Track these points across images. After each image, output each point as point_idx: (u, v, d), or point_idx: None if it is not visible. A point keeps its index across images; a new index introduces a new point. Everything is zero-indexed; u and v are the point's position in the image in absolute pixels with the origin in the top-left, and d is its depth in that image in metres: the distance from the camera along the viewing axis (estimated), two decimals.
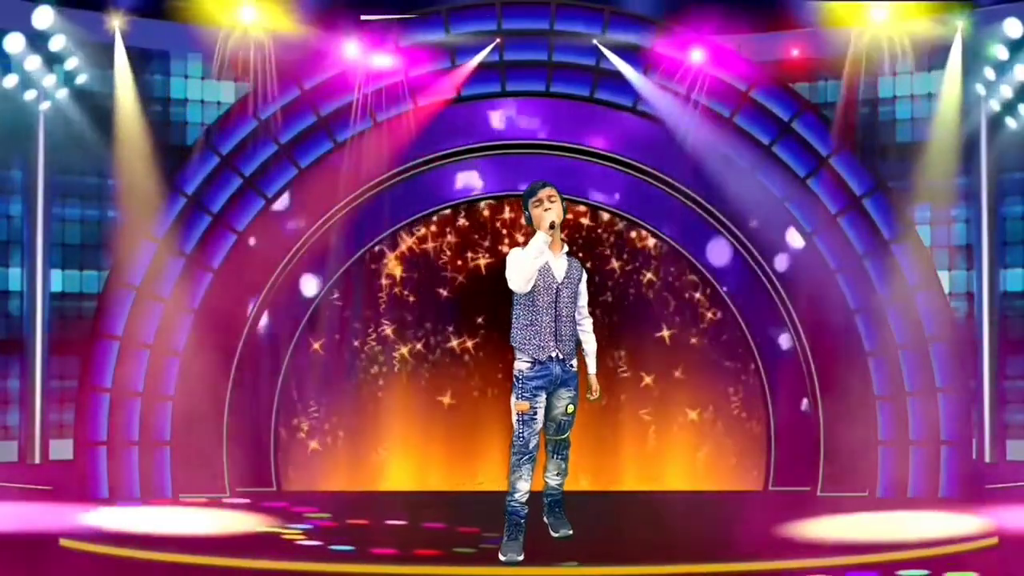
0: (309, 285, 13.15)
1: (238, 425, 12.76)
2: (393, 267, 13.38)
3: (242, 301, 12.72)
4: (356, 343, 13.31)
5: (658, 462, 13.35)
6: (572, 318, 7.78)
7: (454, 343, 13.37)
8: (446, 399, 13.36)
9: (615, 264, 13.42)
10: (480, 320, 13.28)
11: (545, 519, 8.03)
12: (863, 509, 11.23)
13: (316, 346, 13.19)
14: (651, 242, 13.40)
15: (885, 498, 12.33)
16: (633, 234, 13.41)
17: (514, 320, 7.77)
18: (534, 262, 7.56)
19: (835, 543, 9.15)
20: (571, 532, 7.97)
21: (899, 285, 12.58)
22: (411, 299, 13.39)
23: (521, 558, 7.71)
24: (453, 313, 13.38)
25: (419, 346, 13.38)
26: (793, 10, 12.56)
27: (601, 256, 13.40)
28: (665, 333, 13.37)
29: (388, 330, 13.35)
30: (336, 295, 13.25)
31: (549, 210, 7.62)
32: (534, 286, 7.63)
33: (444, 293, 13.39)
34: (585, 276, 7.91)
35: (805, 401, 12.85)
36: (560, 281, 7.72)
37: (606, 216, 13.41)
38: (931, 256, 12.65)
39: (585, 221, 13.42)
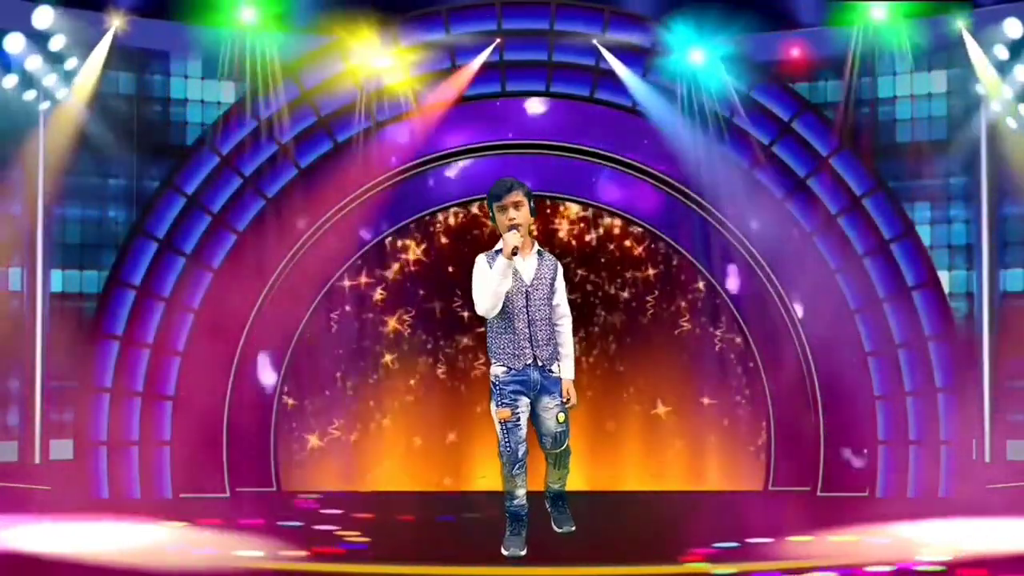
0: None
1: (238, 425, 12.75)
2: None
3: (243, 300, 12.71)
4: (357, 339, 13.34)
5: (657, 462, 13.34)
6: (548, 320, 7.32)
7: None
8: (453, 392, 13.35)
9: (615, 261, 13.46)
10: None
11: (548, 509, 7.85)
12: (864, 509, 11.22)
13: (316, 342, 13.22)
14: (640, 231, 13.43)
15: (885, 498, 12.33)
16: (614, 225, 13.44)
17: (488, 328, 7.38)
18: (498, 288, 7.13)
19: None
20: (574, 528, 7.82)
21: (899, 285, 12.58)
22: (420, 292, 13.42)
23: (524, 552, 7.50)
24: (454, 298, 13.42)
25: (424, 345, 13.41)
26: (793, 10, 12.57)
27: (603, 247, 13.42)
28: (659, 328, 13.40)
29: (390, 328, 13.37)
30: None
31: (514, 219, 7.17)
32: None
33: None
34: (560, 272, 7.44)
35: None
36: (529, 283, 7.28)
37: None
38: (931, 256, 12.66)
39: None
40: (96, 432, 12.27)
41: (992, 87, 11.99)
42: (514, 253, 7.09)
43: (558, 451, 7.43)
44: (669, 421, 13.34)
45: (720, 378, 13.32)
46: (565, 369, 7.41)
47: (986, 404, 12.26)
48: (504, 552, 7.55)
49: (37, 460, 12.08)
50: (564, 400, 7.35)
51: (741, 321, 13.16)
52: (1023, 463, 12.11)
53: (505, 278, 7.14)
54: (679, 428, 13.34)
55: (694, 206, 13.03)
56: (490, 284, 7.14)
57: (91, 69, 11.95)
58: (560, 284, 7.42)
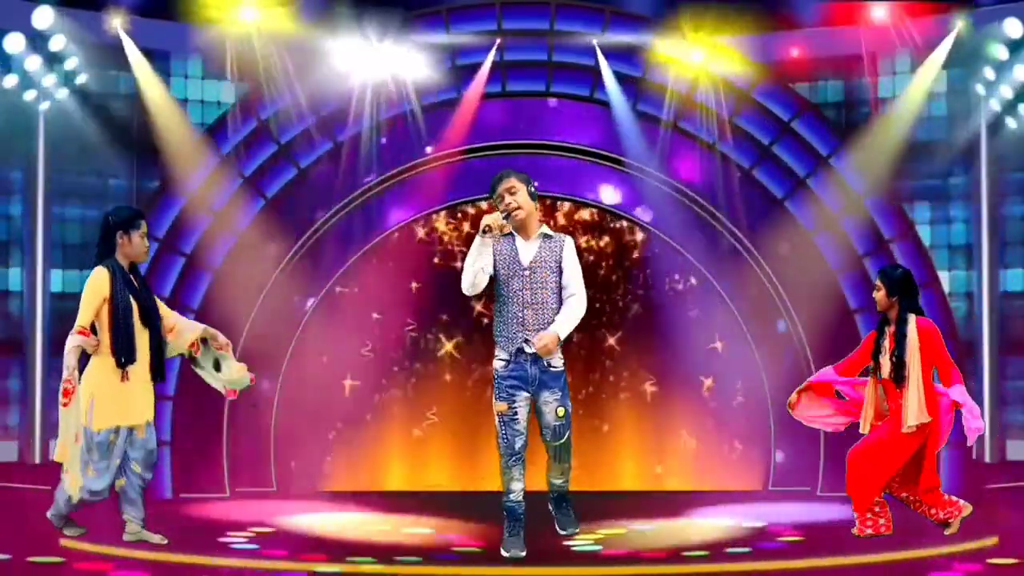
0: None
1: (238, 425, 12.74)
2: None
3: (243, 301, 12.70)
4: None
5: (657, 462, 13.34)
6: (548, 305, 7.28)
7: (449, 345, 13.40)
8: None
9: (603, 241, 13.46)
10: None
11: (552, 511, 7.87)
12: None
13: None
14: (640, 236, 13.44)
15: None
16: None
17: (494, 313, 7.45)
18: (472, 266, 7.22)
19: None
20: (577, 530, 7.85)
21: None
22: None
23: (524, 553, 7.51)
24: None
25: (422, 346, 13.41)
26: (793, 10, 12.59)
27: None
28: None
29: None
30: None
31: (510, 204, 7.20)
32: (500, 273, 7.28)
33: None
34: (569, 249, 7.37)
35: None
36: (526, 266, 7.27)
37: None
38: (931, 256, 12.66)
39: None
40: None
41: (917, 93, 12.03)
42: (486, 231, 7.16)
43: (558, 443, 7.44)
44: (669, 421, 13.34)
45: (720, 378, 13.33)
46: (557, 325, 7.24)
47: (986, 404, 12.25)
48: (504, 553, 7.55)
49: (37, 460, 12.08)
50: (532, 347, 7.21)
51: (742, 321, 13.16)
52: (1023, 463, 12.12)
53: (480, 256, 7.21)
54: (679, 428, 13.34)
55: (693, 205, 13.06)
56: (467, 264, 7.25)
57: (146, 76, 12.01)
58: (569, 263, 7.35)
